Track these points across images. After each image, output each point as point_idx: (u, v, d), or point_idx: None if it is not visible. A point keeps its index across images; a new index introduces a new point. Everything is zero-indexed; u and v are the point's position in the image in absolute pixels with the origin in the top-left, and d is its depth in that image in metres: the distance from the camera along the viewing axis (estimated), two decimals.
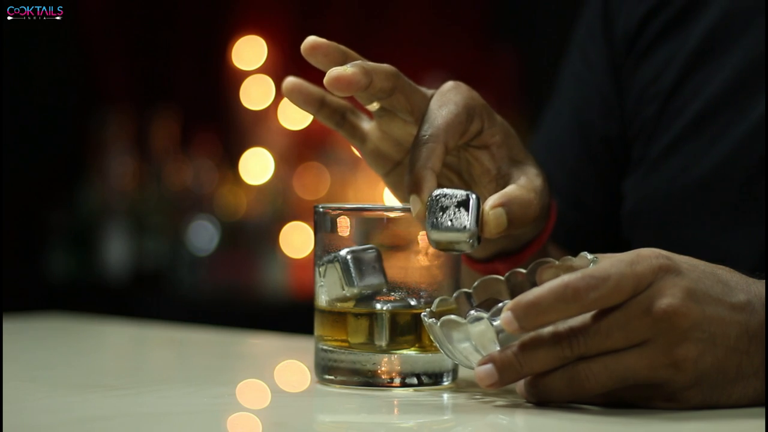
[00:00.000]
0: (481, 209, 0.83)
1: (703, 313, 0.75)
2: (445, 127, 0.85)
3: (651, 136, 1.10)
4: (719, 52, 1.07)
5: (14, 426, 0.72)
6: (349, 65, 0.84)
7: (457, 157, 0.90)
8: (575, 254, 0.83)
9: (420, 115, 0.87)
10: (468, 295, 0.86)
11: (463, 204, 0.82)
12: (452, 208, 0.82)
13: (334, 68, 0.84)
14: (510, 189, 0.86)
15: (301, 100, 0.92)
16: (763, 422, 0.73)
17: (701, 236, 1.05)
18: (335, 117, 0.92)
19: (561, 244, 1.13)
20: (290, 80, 0.91)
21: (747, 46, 1.05)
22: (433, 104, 0.86)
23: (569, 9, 1.26)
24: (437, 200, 0.82)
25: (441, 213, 0.82)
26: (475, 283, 0.86)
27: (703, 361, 0.75)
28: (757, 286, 0.78)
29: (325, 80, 0.84)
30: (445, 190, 0.83)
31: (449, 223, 0.82)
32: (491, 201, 0.84)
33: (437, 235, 0.82)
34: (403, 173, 0.92)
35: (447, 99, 0.86)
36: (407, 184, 0.84)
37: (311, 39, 0.87)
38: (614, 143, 1.15)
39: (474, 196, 0.83)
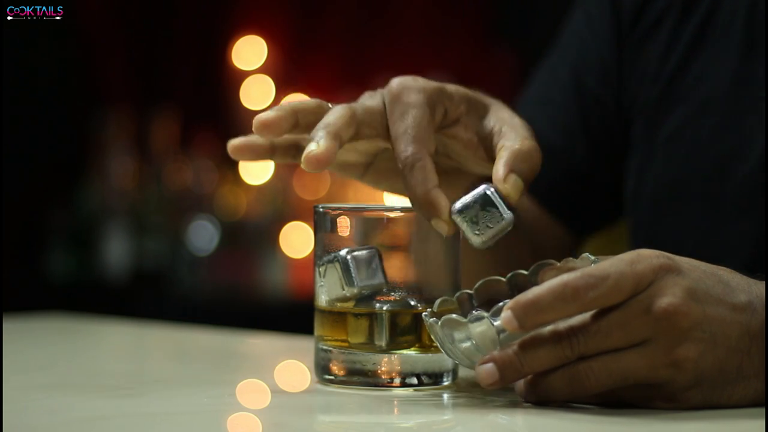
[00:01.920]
0: (498, 192, 0.83)
1: (703, 312, 0.75)
2: (421, 138, 0.84)
3: (654, 119, 1.09)
4: (721, 35, 1.06)
5: (14, 426, 0.72)
6: (274, 108, 0.86)
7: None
8: (564, 218, 0.83)
9: (378, 127, 0.86)
10: (469, 296, 0.86)
11: (486, 203, 0.82)
12: (479, 213, 0.83)
13: (259, 115, 0.86)
14: (507, 152, 0.85)
15: (253, 156, 0.91)
16: (763, 423, 0.73)
17: (701, 225, 1.05)
18: (291, 152, 0.92)
19: (550, 209, 1.13)
20: (233, 144, 0.90)
21: (750, 28, 1.05)
22: (395, 115, 0.85)
23: (569, 9, 1.25)
24: (462, 216, 0.83)
25: (473, 225, 0.83)
26: (477, 284, 0.86)
27: (703, 361, 0.75)
28: (758, 286, 0.78)
29: (253, 128, 0.86)
30: (460, 203, 0.83)
31: (488, 226, 0.82)
32: (499, 174, 0.84)
33: (487, 240, 0.83)
34: (378, 170, 0.93)
35: (405, 105, 0.85)
36: (423, 212, 0.83)
37: (257, 120, 0.87)
38: (609, 110, 1.14)
39: (489, 190, 0.83)
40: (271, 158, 0.92)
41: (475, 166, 0.91)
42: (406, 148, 0.84)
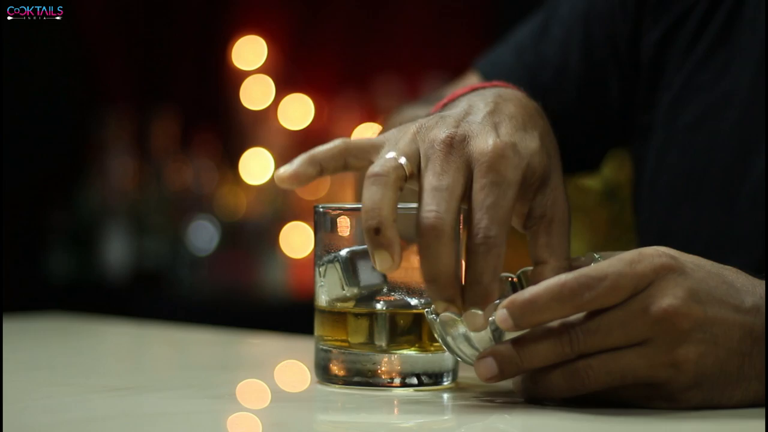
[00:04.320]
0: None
1: (705, 313, 0.75)
2: (506, 221, 0.78)
3: (675, 106, 1.08)
4: (747, 29, 1.06)
5: (14, 426, 0.72)
6: (295, 160, 0.84)
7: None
8: None
9: (366, 161, 0.83)
10: None
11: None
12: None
13: (280, 168, 0.84)
14: (550, 274, 0.81)
15: (304, 183, 0.86)
16: (763, 423, 0.73)
17: (716, 217, 1.04)
18: (339, 168, 0.87)
19: None
20: (280, 176, 0.85)
21: None
22: (486, 181, 0.78)
23: None
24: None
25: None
26: None
27: (704, 361, 0.75)
28: (762, 287, 0.78)
29: (277, 183, 0.85)
30: None
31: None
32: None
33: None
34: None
35: (501, 177, 0.79)
36: (471, 295, 0.78)
37: (278, 175, 0.85)
38: (608, 63, 1.13)
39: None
40: (321, 175, 0.87)
41: None
42: (490, 226, 0.78)
